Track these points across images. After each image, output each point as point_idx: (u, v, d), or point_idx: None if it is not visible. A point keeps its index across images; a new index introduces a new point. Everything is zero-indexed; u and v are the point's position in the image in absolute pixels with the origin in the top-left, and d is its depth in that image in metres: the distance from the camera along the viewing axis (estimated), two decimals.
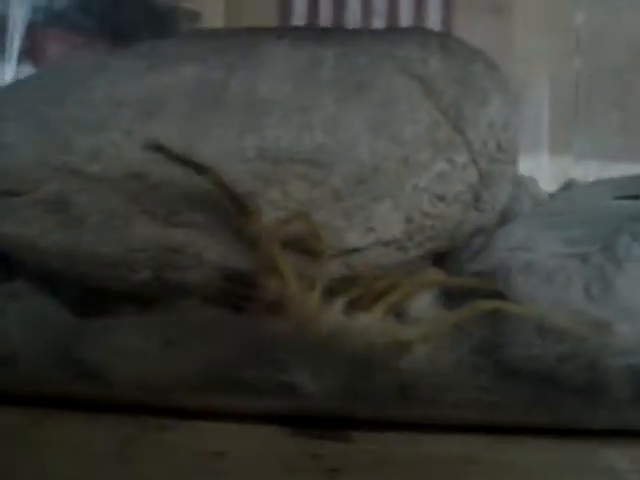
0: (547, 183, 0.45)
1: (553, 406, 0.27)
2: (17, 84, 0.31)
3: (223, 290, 0.28)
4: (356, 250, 0.27)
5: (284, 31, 0.33)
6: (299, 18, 0.79)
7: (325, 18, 0.79)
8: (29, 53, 0.59)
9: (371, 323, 0.27)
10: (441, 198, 0.28)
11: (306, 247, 0.26)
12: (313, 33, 0.33)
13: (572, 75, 0.57)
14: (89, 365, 0.29)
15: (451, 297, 0.30)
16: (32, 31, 0.59)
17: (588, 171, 0.48)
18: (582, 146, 0.55)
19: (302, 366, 0.27)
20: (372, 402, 0.28)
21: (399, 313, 0.30)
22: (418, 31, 0.33)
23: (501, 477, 0.26)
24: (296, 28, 0.35)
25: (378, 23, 0.77)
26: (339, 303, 0.27)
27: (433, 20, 0.76)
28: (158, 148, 0.27)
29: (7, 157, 0.28)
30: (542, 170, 0.49)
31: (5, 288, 0.31)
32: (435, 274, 0.31)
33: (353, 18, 0.79)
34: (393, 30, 0.34)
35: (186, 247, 0.27)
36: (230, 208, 0.26)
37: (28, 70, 0.59)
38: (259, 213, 0.27)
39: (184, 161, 0.27)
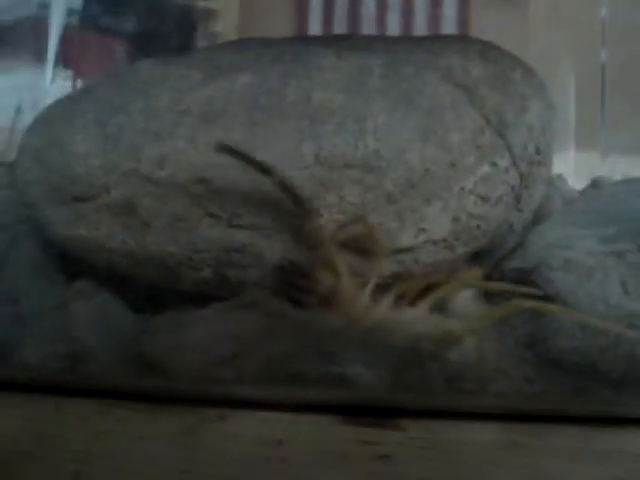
0: (574, 180, 0.46)
1: (593, 395, 0.29)
2: (80, 95, 0.33)
3: (279, 281, 0.29)
4: (408, 249, 0.29)
5: (328, 40, 0.34)
6: (315, 14, 0.79)
7: (340, 13, 0.79)
8: (64, 56, 0.60)
9: (417, 317, 0.29)
10: (485, 199, 0.30)
11: (363, 247, 0.28)
12: (356, 42, 0.34)
13: (598, 69, 0.56)
14: (152, 359, 0.30)
15: (490, 293, 0.32)
16: (67, 35, 0.60)
17: (615, 167, 0.48)
18: (609, 142, 0.55)
19: (355, 359, 0.29)
20: (422, 392, 0.29)
21: (442, 308, 0.32)
22: (458, 39, 0.34)
23: (542, 462, 0.27)
24: (338, 37, 0.36)
25: (393, 18, 0.77)
26: (388, 298, 0.29)
27: (449, 15, 0.75)
28: (225, 149, 0.28)
29: (78, 165, 0.30)
30: (568, 167, 0.50)
31: (73, 287, 0.32)
32: (476, 272, 0.33)
33: (368, 12, 0.79)
34: (434, 39, 0.35)
35: (247, 247, 0.29)
36: (291, 208, 0.28)
37: (64, 74, 0.60)
38: (317, 214, 0.28)
39: (250, 161, 0.28)
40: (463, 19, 0.75)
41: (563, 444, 0.28)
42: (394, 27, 0.75)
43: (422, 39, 0.35)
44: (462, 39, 0.34)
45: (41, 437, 0.29)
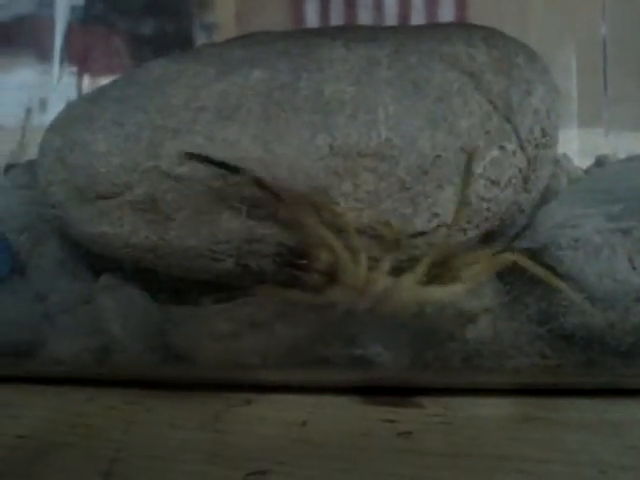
0: (578, 158, 0.46)
1: (604, 368, 0.30)
2: (97, 96, 0.34)
3: (280, 266, 0.30)
4: (422, 233, 0.30)
5: (335, 32, 0.35)
6: (311, 2, 0.79)
7: (337, 2, 0.79)
8: (69, 53, 0.61)
9: (414, 286, 0.30)
10: (495, 183, 0.31)
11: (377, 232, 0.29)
12: (362, 33, 0.35)
13: (599, 44, 0.57)
14: (178, 349, 0.32)
15: (504, 272, 0.33)
16: (70, 31, 0.61)
17: (619, 144, 0.49)
18: (612, 118, 0.55)
19: (375, 340, 0.30)
20: (441, 371, 0.30)
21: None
22: (462, 27, 0.35)
23: (558, 435, 0.29)
24: (344, 28, 0.37)
25: (389, 1, 0.76)
26: (385, 265, 0.29)
27: None
28: (192, 157, 0.29)
29: (100, 164, 0.31)
30: (572, 145, 0.50)
31: (98, 282, 0.34)
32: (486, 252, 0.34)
33: (365, 1, 0.78)
34: (438, 27, 0.36)
35: (266, 237, 0.30)
36: (269, 199, 0.29)
37: (68, 70, 0.61)
38: (295, 199, 0.29)
39: (217, 164, 0.29)
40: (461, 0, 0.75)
41: (578, 416, 0.29)
42: (391, 12, 0.75)
43: (427, 27, 0.36)
44: (466, 26, 0.34)
45: (74, 427, 0.30)
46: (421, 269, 0.29)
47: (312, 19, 0.76)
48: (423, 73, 0.32)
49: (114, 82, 0.34)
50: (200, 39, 0.68)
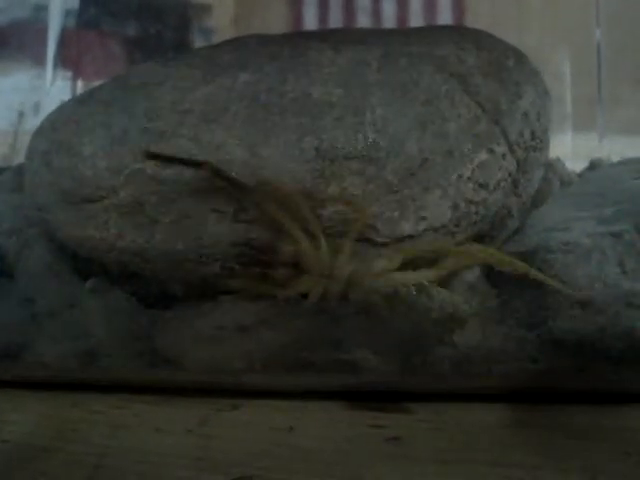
0: (572, 162, 0.46)
1: (594, 373, 0.29)
2: (86, 98, 0.34)
3: (246, 263, 0.30)
4: (410, 237, 0.29)
5: (325, 35, 0.35)
6: (310, 5, 0.79)
7: (334, 1, 0.79)
8: (63, 57, 0.61)
9: (382, 268, 0.29)
10: (484, 186, 0.31)
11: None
12: (352, 36, 0.35)
13: (593, 48, 0.56)
14: (165, 353, 0.31)
15: (492, 276, 0.33)
16: (65, 35, 0.61)
17: (613, 148, 0.48)
18: (606, 122, 0.55)
19: (362, 345, 0.30)
20: (429, 375, 0.30)
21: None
22: (452, 29, 0.35)
23: (547, 439, 0.28)
24: (334, 31, 0.37)
25: (388, 6, 0.76)
26: (346, 248, 0.29)
27: (443, 1, 0.75)
28: (152, 156, 0.29)
29: (86, 168, 0.31)
30: (566, 149, 0.50)
31: (85, 286, 0.33)
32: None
33: (362, 2, 0.78)
34: (428, 29, 0.36)
35: (252, 240, 0.30)
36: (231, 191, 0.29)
37: (63, 74, 0.61)
38: (254, 189, 0.29)
39: (180, 161, 0.29)
40: (458, 4, 0.75)
41: (569, 422, 0.29)
42: (389, 16, 0.75)
43: (416, 30, 0.36)
44: (456, 29, 0.34)
45: (60, 432, 0.30)
46: (395, 256, 0.29)
47: (310, 23, 0.76)
48: (412, 76, 0.31)
49: (102, 85, 0.34)
50: (198, 43, 0.68)
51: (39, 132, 0.34)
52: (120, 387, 0.33)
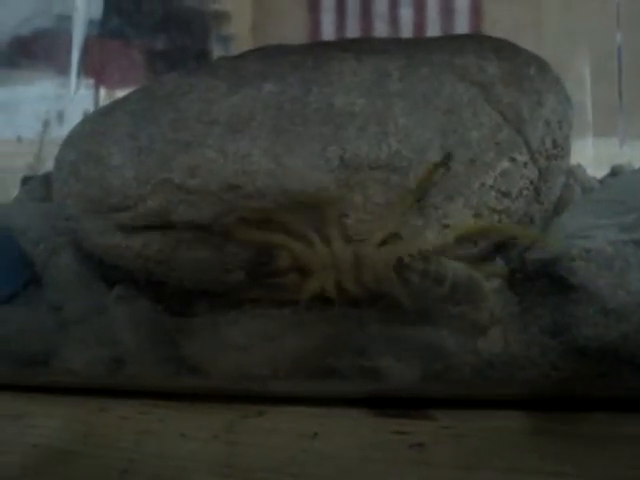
0: (593, 167, 0.46)
1: (617, 380, 0.29)
2: (112, 109, 0.34)
3: (252, 278, 0.31)
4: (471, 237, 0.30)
5: (347, 44, 0.35)
6: (327, 13, 0.80)
7: (352, 8, 0.79)
8: (86, 66, 0.62)
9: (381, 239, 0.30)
10: (506, 194, 0.31)
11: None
12: (373, 45, 0.35)
13: (614, 53, 0.56)
14: (191, 360, 0.32)
15: (515, 283, 0.33)
16: (88, 44, 0.62)
17: (634, 154, 0.48)
18: (627, 127, 0.55)
19: (385, 352, 0.30)
20: (452, 382, 0.30)
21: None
22: (473, 38, 0.35)
23: (570, 446, 0.28)
24: (356, 40, 0.37)
25: (405, 12, 0.76)
26: (333, 232, 0.30)
27: (461, 6, 0.75)
28: None
29: (113, 178, 0.31)
30: (587, 154, 0.49)
31: (112, 293, 0.34)
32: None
33: (380, 8, 0.78)
34: (449, 38, 0.36)
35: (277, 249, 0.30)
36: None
37: (86, 83, 0.61)
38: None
39: None
40: (476, 10, 0.75)
41: (591, 429, 0.29)
42: (407, 22, 0.75)
43: (437, 39, 0.36)
44: (477, 37, 0.34)
45: (87, 437, 0.31)
46: (386, 227, 0.29)
47: (328, 30, 0.76)
48: (433, 85, 0.32)
49: (128, 96, 0.35)
50: (217, 51, 0.69)
51: (67, 142, 0.35)
52: (146, 393, 0.33)
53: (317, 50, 0.35)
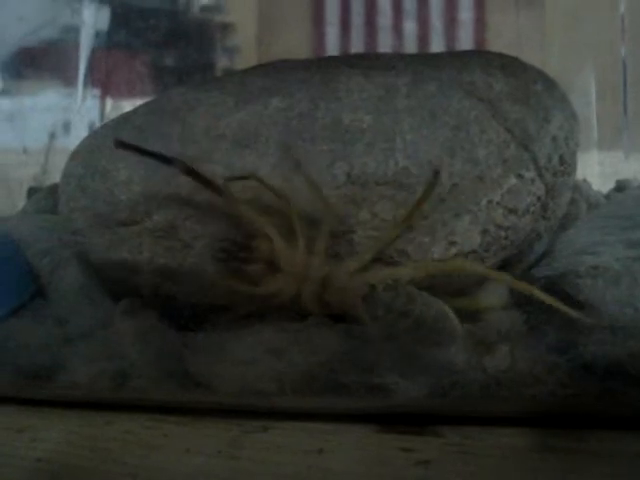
0: (598, 181, 0.46)
1: (625, 398, 0.29)
2: (119, 123, 0.34)
3: (224, 261, 0.30)
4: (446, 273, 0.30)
5: (354, 60, 0.36)
6: (332, 24, 0.80)
7: (357, 20, 0.79)
8: (92, 76, 0.62)
9: (355, 268, 0.30)
10: (513, 211, 0.31)
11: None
12: (381, 61, 0.35)
13: (619, 65, 0.56)
14: (196, 375, 0.32)
15: (522, 302, 0.33)
16: (95, 55, 0.62)
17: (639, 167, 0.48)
18: (633, 141, 0.55)
19: (393, 369, 0.30)
20: (459, 399, 0.30)
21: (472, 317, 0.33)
22: (480, 54, 0.35)
23: (578, 464, 0.28)
24: (363, 56, 0.38)
25: (409, 24, 0.77)
26: (320, 247, 0.30)
27: (465, 18, 0.75)
28: (122, 146, 0.29)
29: (120, 192, 0.31)
30: (592, 168, 0.49)
31: (118, 307, 0.34)
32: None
33: (384, 21, 0.79)
34: (456, 54, 0.36)
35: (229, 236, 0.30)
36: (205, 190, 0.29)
37: (91, 93, 0.62)
38: (229, 188, 0.29)
39: (150, 154, 0.30)
40: (479, 22, 0.75)
41: (599, 447, 0.29)
42: (411, 35, 0.76)
43: (444, 55, 0.36)
44: (484, 53, 0.35)
45: (93, 451, 0.30)
46: (367, 255, 0.29)
47: (333, 43, 0.76)
48: (441, 101, 0.32)
49: (135, 110, 0.35)
50: (221, 62, 0.69)
51: (74, 156, 0.35)
52: (151, 407, 0.33)
53: (324, 66, 0.35)
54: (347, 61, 0.35)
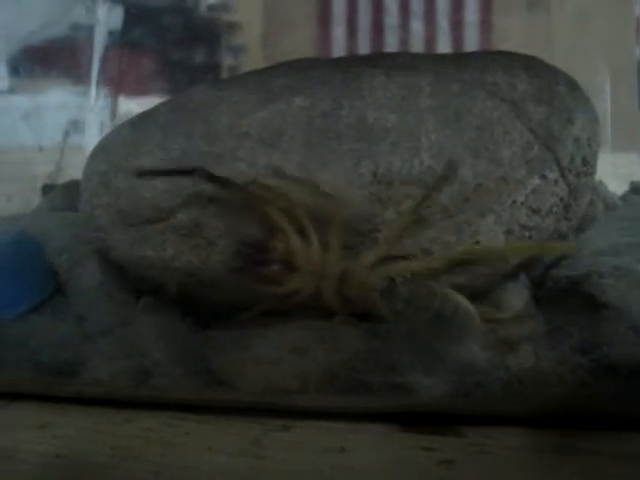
0: (612, 182, 0.46)
1: None
2: (141, 121, 0.34)
3: (242, 262, 0.30)
4: (466, 262, 0.30)
5: (375, 59, 0.36)
6: (338, 23, 0.80)
7: (364, 21, 0.79)
8: (105, 76, 0.62)
9: (372, 261, 0.30)
10: (536, 211, 0.31)
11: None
12: (402, 61, 0.35)
13: (633, 66, 0.56)
14: (219, 373, 0.32)
15: (542, 298, 0.33)
16: (108, 54, 0.62)
17: None
18: None
19: (416, 368, 0.30)
20: (481, 398, 0.30)
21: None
22: (503, 55, 0.35)
23: (598, 465, 0.28)
24: (384, 55, 0.38)
25: (416, 25, 0.77)
26: (333, 244, 0.30)
27: (471, 20, 0.75)
28: (143, 174, 0.30)
29: (145, 190, 0.31)
30: (606, 169, 0.49)
31: (139, 305, 0.34)
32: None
33: (390, 20, 0.79)
34: (477, 55, 0.36)
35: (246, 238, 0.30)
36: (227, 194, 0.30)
37: (102, 92, 0.62)
38: (246, 187, 0.30)
39: (171, 172, 0.30)
40: (485, 24, 0.75)
41: (621, 448, 0.29)
42: (417, 35, 0.76)
43: (466, 55, 0.36)
44: (506, 54, 0.35)
45: (114, 449, 0.30)
46: (383, 247, 0.29)
47: (339, 42, 0.76)
48: (464, 102, 0.32)
49: (157, 107, 0.35)
50: (227, 61, 0.69)
51: (96, 153, 0.35)
52: (172, 405, 0.33)
53: (346, 65, 0.35)
54: (369, 60, 0.35)
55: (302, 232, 0.30)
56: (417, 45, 0.74)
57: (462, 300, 0.29)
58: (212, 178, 0.29)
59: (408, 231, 0.30)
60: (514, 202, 0.31)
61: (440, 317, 0.29)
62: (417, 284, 0.29)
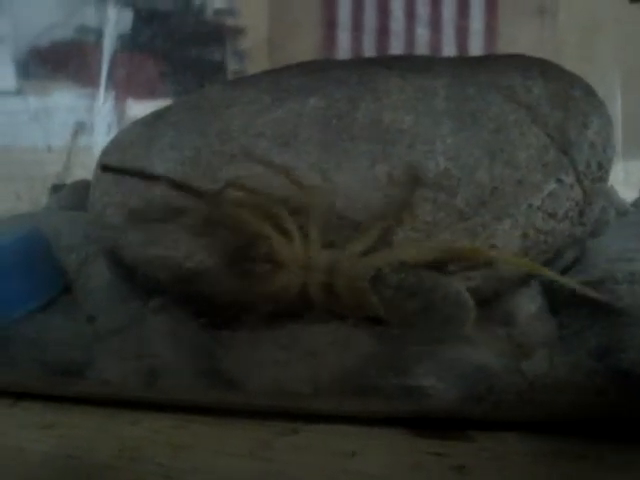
0: (623, 189, 0.46)
1: None
2: (153, 120, 0.34)
3: (227, 264, 0.30)
4: (456, 258, 0.30)
5: (390, 61, 0.35)
6: (343, 27, 0.80)
7: (369, 25, 0.79)
8: (113, 78, 0.62)
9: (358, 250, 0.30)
10: (552, 215, 0.31)
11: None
12: (417, 63, 0.35)
13: None
14: (229, 374, 0.31)
15: (555, 306, 0.33)
16: (116, 57, 0.62)
17: None
18: None
19: (428, 372, 0.30)
20: (493, 403, 0.30)
21: (508, 322, 0.32)
22: (519, 58, 0.35)
23: (610, 473, 0.28)
24: (399, 57, 0.38)
25: (421, 31, 0.77)
26: (314, 235, 0.30)
27: (476, 26, 0.75)
28: (108, 169, 0.30)
29: (156, 188, 0.31)
30: (616, 176, 0.49)
31: (149, 304, 0.34)
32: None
33: (396, 24, 0.79)
34: (493, 58, 0.36)
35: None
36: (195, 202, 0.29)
37: (111, 95, 0.62)
38: (220, 195, 0.29)
39: (136, 173, 0.30)
40: (491, 30, 0.75)
41: (633, 457, 0.29)
42: (423, 40, 0.76)
43: (483, 59, 0.36)
44: (522, 58, 0.34)
45: (122, 450, 0.30)
46: (368, 238, 0.29)
47: (344, 46, 0.76)
48: (480, 105, 0.32)
49: (169, 107, 0.35)
50: (232, 65, 0.69)
51: (107, 152, 0.34)
52: (180, 407, 0.32)
53: (360, 67, 0.35)
54: (384, 62, 0.35)
55: (282, 228, 0.29)
56: (422, 51, 0.74)
57: (454, 284, 0.29)
58: (177, 186, 0.29)
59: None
60: (530, 206, 0.31)
61: (430, 304, 0.29)
62: (406, 272, 0.29)
